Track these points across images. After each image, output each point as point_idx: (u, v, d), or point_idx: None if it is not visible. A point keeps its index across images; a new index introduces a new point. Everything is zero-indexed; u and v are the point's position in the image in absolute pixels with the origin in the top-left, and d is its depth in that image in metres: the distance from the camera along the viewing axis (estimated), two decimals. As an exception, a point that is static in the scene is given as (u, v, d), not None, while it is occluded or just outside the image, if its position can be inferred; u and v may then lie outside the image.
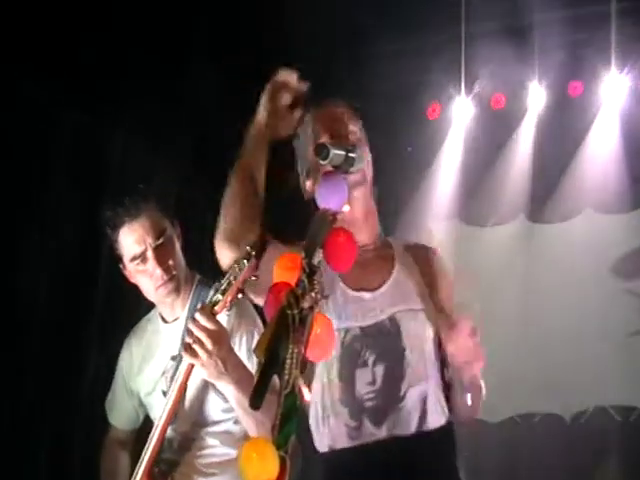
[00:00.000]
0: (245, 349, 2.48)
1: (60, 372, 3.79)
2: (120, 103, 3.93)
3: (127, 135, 4.31)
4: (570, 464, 4.41)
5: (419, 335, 2.10)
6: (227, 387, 2.25)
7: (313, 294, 1.53)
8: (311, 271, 1.54)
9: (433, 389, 2.08)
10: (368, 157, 2.19)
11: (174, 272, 2.53)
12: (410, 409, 2.04)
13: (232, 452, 2.51)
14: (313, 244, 1.57)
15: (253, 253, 2.17)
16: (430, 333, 2.10)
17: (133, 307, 2.99)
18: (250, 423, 2.30)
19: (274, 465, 1.36)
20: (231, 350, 2.26)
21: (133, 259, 2.52)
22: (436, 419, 2.07)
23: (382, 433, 2.03)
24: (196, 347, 2.16)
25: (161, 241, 2.51)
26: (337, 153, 1.82)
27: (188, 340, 2.17)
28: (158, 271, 2.50)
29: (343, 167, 1.86)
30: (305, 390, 1.48)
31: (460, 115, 5.12)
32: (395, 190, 5.09)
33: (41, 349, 3.80)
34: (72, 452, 3.80)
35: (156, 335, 2.61)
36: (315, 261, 1.58)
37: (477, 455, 4.51)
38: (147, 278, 2.53)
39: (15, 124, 3.69)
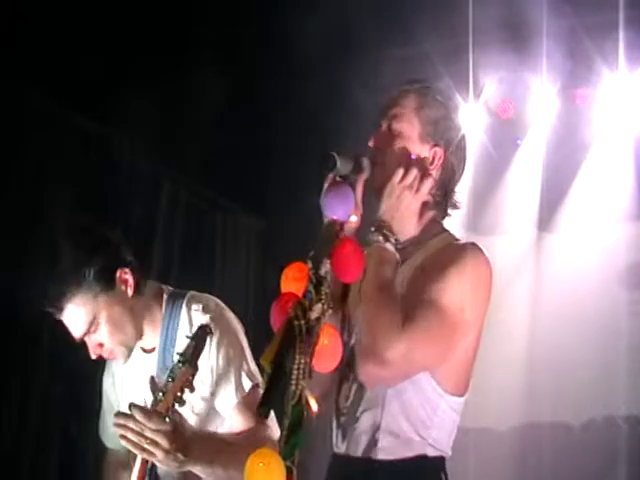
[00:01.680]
0: (222, 378, 2.41)
1: (68, 379, 3.79)
2: (123, 109, 3.94)
3: (131, 141, 4.33)
4: (578, 473, 4.39)
5: None
6: (194, 468, 2.24)
7: (320, 305, 1.53)
8: (318, 282, 1.54)
9: (390, 421, 1.98)
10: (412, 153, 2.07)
11: (114, 345, 2.44)
12: (361, 432, 2.01)
13: None
14: (320, 254, 1.57)
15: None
16: None
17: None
18: None
19: (280, 476, 1.36)
20: (188, 435, 2.21)
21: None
22: (387, 452, 1.98)
23: (342, 449, 2.05)
24: (149, 447, 2.12)
25: (91, 330, 2.40)
26: (344, 163, 1.82)
27: (134, 438, 2.13)
28: (98, 352, 2.45)
29: (350, 177, 1.86)
30: (312, 401, 1.48)
31: (468, 123, 5.11)
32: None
33: (49, 355, 3.81)
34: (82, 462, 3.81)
35: (136, 362, 2.54)
36: (322, 271, 1.58)
37: (485, 463, 4.51)
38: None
39: (18, 130, 3.71)
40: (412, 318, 1.85)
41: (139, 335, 2.49)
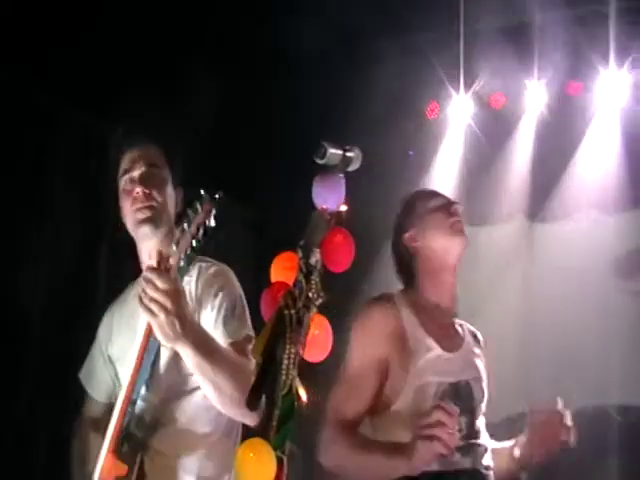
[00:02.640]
0: (221, 317, 2.43)
1: (59, 370, 3.79)
2: (120, 101, 3.93)
3: (127, 133, 4.31)
4: (569, 462, 4.40)
5: (479, 399, 2.47)
6: (185, 350, 2.20)
7: (310, 294, 1.53)
8: (308, 271, 1.55)
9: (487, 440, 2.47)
10: None
11: (154, 203, 2.51)
12: (483, 448, 2.40)
13: (208, 429, 2.45)
14: (310, 244, 1.57)
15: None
16: (484, 399, 2.49)
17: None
18: (210, 390, 2.27)
19: (271, 466, 1.36)
20: (187, 310, 2.21)
21: (124, 173, 2.55)
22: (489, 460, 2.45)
23: (467, 464, 2.32)
24: (153, 306, 2.12)
25: (152, 170, 2.55)
26: (334, 152, 1.81)
27: (144, 300, 2.13)
28: (139, 189, 2.50)
29: (340, 167, 1.85)
30: (302, 391, 1.48)
31: (459, 114, 5.11)
32: (395, 190, 5.08)
33: (40, 347, 3.81)
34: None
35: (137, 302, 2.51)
36: (313, 261, 1.58)
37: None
38: (129, 198, 2.53)
39: (13, 123, 3.70)
40: None
41: (171, 227, 2.51)
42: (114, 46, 3.89)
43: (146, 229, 2.50)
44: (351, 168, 1.91)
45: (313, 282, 1.54)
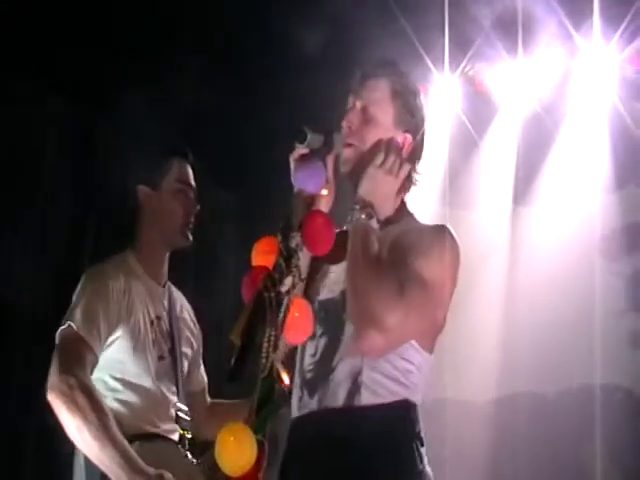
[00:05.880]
0: None
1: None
2: (106, 93, 3.91)
3: (113, 126, 4.30)
4: (554, 443, 4.43)
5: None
6: None
7: (291, 277, 1.53)
8: (288, 254, 1.55)
9: (370, 367, 1.98)
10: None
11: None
12: (339, 381, 1.96)
13: None
14: (289, 227, 1.57)
15: None
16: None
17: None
18: None
19: (252, 450, 1.36)
20: None
21: (177, 180, 2.74)
22: (370, 397, 1.97)
23: (314, 404, 1.97)
24: None
25: (194, 192, 2.79)
26: (315, 137, 1.81)
27: None
28: (198, 207, 2.75)
29: (322, 151, 1.86)
30: (284, 375, 1.48)
31: (445, 97, 5.09)
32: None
33: (28, 348, 3.80)
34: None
35: (140, 287, 2.63)
36: (293, 244, 1.58)
37: (462, 435, 4.55)
38: (182, 205, 2.73)
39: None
40: (403, 289, 1.89)
41: None
42: (100, 32, 3.87)
43: (186, 242, 2.75)
44: (333, 152, 1.91)
45: (293, 265, 1.54)
